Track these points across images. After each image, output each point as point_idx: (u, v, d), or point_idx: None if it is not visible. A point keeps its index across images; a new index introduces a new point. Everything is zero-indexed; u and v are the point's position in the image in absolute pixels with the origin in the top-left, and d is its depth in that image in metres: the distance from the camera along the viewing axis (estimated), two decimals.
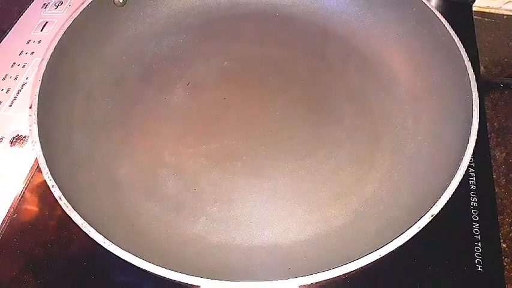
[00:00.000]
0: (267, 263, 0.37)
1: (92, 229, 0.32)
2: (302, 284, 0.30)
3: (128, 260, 0.30)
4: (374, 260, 0.30)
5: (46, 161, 0.35)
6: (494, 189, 0.45)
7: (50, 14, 0.60)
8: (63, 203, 0.33)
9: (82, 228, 0.32)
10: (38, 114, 0.38)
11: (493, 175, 0.46)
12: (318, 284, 0.30)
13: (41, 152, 0.35)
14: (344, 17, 0.52)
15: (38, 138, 0.36)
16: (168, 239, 0.38)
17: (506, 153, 0.49)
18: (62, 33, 0.43)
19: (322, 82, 0.49)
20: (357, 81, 0.48)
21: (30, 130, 0.37)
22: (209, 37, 0.53)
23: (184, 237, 0.39)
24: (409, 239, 0.31)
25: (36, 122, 0.37)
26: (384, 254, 0.30)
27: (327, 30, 0.52)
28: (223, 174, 0.42)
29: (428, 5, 0.44)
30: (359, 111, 0.46)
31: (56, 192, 0.34)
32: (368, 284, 0.39)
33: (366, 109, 0.46)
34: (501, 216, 0.44)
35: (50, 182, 0.34)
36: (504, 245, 0.43)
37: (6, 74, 0.54)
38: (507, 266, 0.41)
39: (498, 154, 0.49)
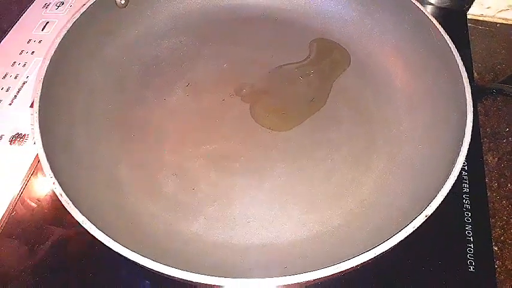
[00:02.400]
0: (264, 262, 0.38)
1: (92, 226, 0.32)
2: (298, 282, 0.30)
3: (128, 256, 0.31)
4: (369, 258, 0.31)
5: (47, 159, 0.35)
6: (487, 193, 0.46)
7: (51, 14, 0.60)
8: (65, 200, 0.33)
9: (83, 225, 0.32)
10: (39, 112, 0.38)
11: (485, 179, 0.47)
12: (314, 282, 0.31)
13: (43, 150, 0.36)
14: (342, 22, 0.53)
15: (39, 136, 0.37)
16: (167, 237, 0.39)
17: (498, 158, 0.50)
18: (64, 32, 0.43)
19: (320, 85, 0.50)
20: (354, 85, 0.49)
21: (32, 129, 0.37)
22: (209, 39, 0.53)
23: (183, 235, 0.39)
24: (403, 239, 0.32)
25: (37, 120, 0.38)
26: (379, 253, 0.31)
27: (325, 35, 0.53)
28: (222, 175, 0.43)
29: (424, 11, 0.45)
30: (356, 114, 0.47)
31: (57, 189, 0.34)
32: (362, 283, 0.40)
33: (362, 112, 0.47)
34: (493, 220, 0.45)
35: (51, 179, 0.34)
36: (495, 248, 0.43)
37: (7, 73, 0.54)
38: (498, 269, 0.42)
39: (490, 159, 0.50)
